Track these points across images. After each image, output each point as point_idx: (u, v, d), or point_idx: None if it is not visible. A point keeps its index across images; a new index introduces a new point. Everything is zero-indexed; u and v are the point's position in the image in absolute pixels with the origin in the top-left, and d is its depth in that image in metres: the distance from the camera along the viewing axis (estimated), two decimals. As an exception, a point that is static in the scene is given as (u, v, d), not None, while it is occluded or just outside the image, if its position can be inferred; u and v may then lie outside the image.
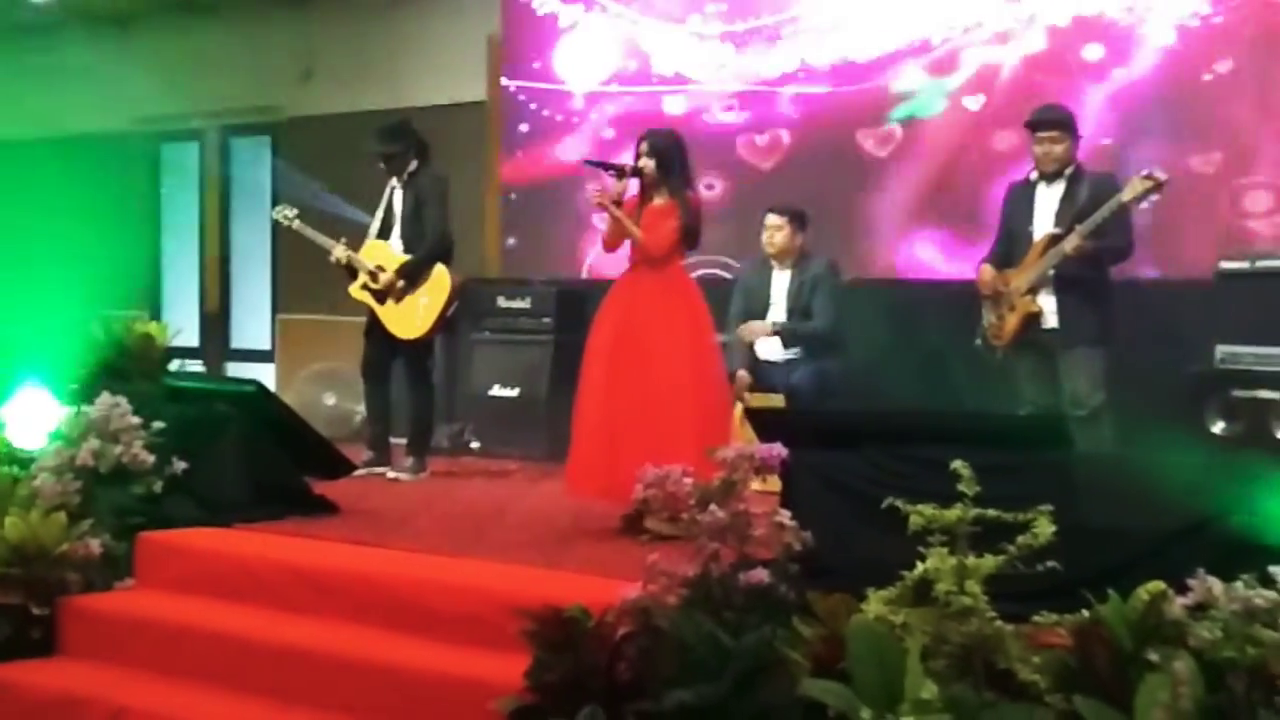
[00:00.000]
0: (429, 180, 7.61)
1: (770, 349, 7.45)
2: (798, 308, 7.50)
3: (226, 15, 12.16)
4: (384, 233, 7.65)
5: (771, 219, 7.59)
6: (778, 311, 7.54)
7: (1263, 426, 6.47)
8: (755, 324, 7.41)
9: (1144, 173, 6.29)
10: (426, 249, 7.52)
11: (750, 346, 7.44)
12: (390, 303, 7.50)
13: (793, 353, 7.42)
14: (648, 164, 6.17)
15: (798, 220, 7.59)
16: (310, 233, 7.82)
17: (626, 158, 6.42)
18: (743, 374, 7.30)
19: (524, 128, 9.98)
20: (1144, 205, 6.41)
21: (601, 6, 9.63)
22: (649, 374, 5.91)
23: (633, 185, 6.26)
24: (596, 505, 5.91)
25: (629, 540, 5.32)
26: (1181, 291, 7.15)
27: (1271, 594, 3.46)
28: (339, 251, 7.66)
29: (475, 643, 4.47)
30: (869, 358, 7.71)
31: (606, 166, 6.34)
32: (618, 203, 6.17)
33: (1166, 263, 7.45)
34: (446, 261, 7.56)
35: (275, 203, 11.46)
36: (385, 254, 7.57)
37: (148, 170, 13.13)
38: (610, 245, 6.40)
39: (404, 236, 7.58)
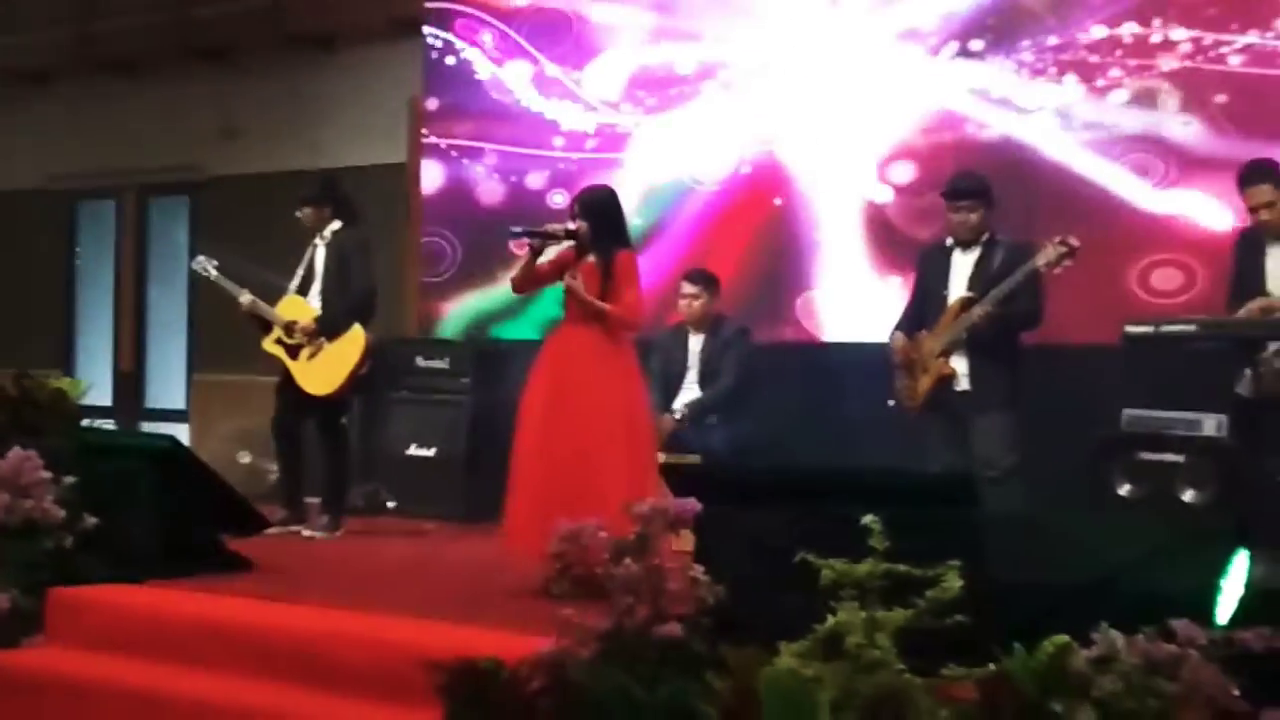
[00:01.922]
0: (351, 239, 7.64)
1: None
2: (709, 371, 7.63)
3: (145, 74, 12.15)
4: (303, 290, 7.66)
5: (687, 288, 7.72)
6: (693, 375, 7.65)
7: (1168, 489, 6.57)
8: (663, 421, 7.45)
9: (1057, 239, 6.42)
10: (351, 302, 7.54)
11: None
12: (303, 358, 7.50)
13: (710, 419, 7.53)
14: (582, 226, 6.21)
15: (712, 286, 7.72)
16: (227, 284, 7.81)
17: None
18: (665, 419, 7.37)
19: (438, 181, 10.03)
20: (1056, 271, 6.52)
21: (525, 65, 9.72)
22: (582, 432, 5.91)
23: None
24: (519, 564, 5.87)
25: (545, 597, 5.33)
26: (1090, 355, 7.27)
27: (1171, 647, 3.54)
28: (245, 299, 7.67)
29: (388, 697, 4.45)
30: (783, 419, 7.79)
31: (543, 235, 6.30)
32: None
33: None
34: (366, 319, 7.56)
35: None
36: (302, 309, 7.58)
37: (63, 229, 13.03)
38: (519, 287, 6.47)
39: (323, 293, 7.60)
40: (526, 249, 6.28)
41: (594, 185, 6.63)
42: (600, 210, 6.25)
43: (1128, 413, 6.78)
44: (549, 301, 7.09)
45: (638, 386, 6.25)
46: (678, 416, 7.49)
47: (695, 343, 7.78)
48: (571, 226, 6.23)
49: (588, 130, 9.43)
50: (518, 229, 6.47)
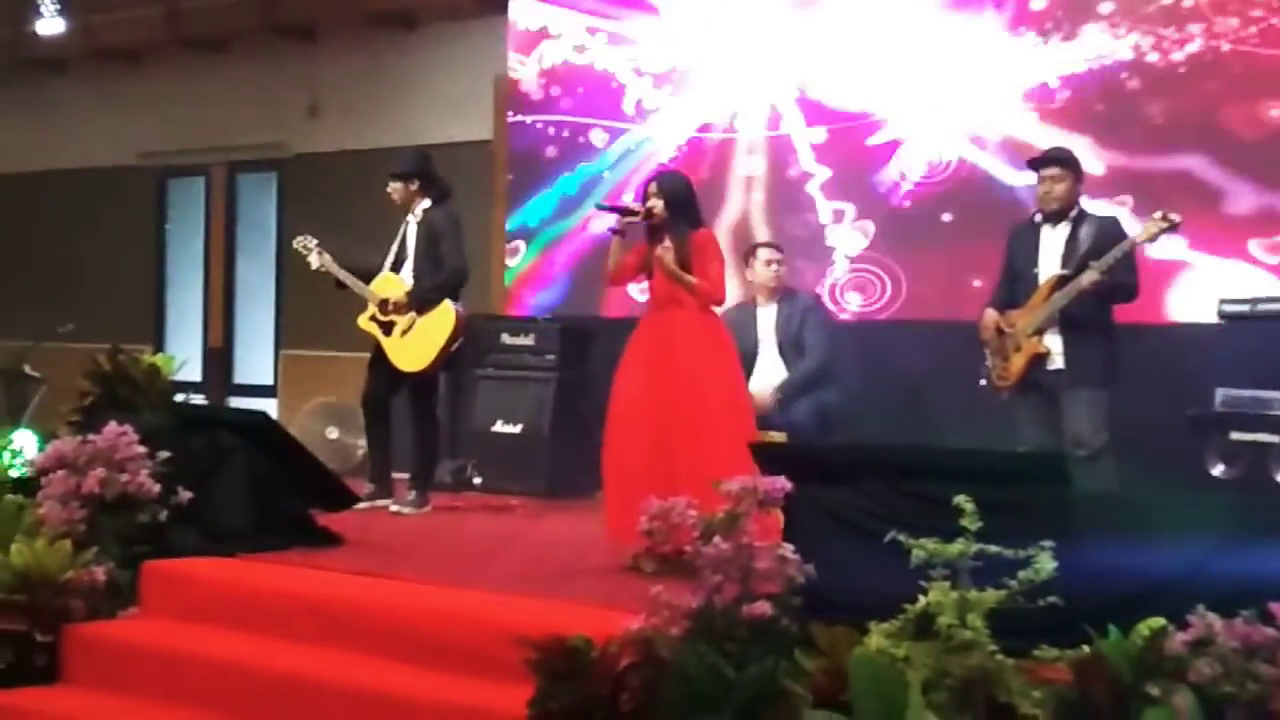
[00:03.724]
0: (442, 216, 7.66)
1: (768, 385, 7.52)
2: (787, 340, 7.61)
3: (234, 52, 12.26)
4: (396, 268, 7.71)
5: (770, 253, 7.75)
6: (767, 347, 7.62)
7: (1262, 470, 6.50)
8: (765, 397, 7.42)
9: (1158, 214, 6.33)
10: (441, 280, 7.56)
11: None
12: (396, 335, 7.54)
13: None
14: (656, 204, 6.23)
15: (784, 256, 7.77)
16: (325, 261, 7.84)
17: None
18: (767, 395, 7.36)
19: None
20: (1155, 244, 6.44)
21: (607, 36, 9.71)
22: (686, 415, 5.91)
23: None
24: (610, 542, 5.87)
25: (633, 574, 5.36)
26: (1183, 334, 7.19)
27: (1271, 630, 3.50)
28: (340, 274, 7.73)
29: (479, 672, 4.49)
30: (868, 395, 7.75)
31: (621, 210, 6.37)
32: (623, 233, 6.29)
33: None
34: (456, 296, 7.60)
35: (280, 239, 11.64)
36: (396, 287, 7.62)
37: (153, 205, 13.20)
38: (614, 279, 6.49)
39: (415, 272, 7.63)
40: (612, 234, 6.31)
41: (667, 171, 6.66)
42: (675, 192, 6.26)
43: (1221, 392, 6.71)
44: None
45: (735, 365, 6.25)
46: (777, 396, 7.44)
47: (766, 315, 7.72)
48: (648, 204, 6.26)
49: (668, 104, 9.44)
50: (604, 204, 6.86)
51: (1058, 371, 6.47)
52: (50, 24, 12.61)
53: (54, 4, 12.53)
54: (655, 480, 5.58)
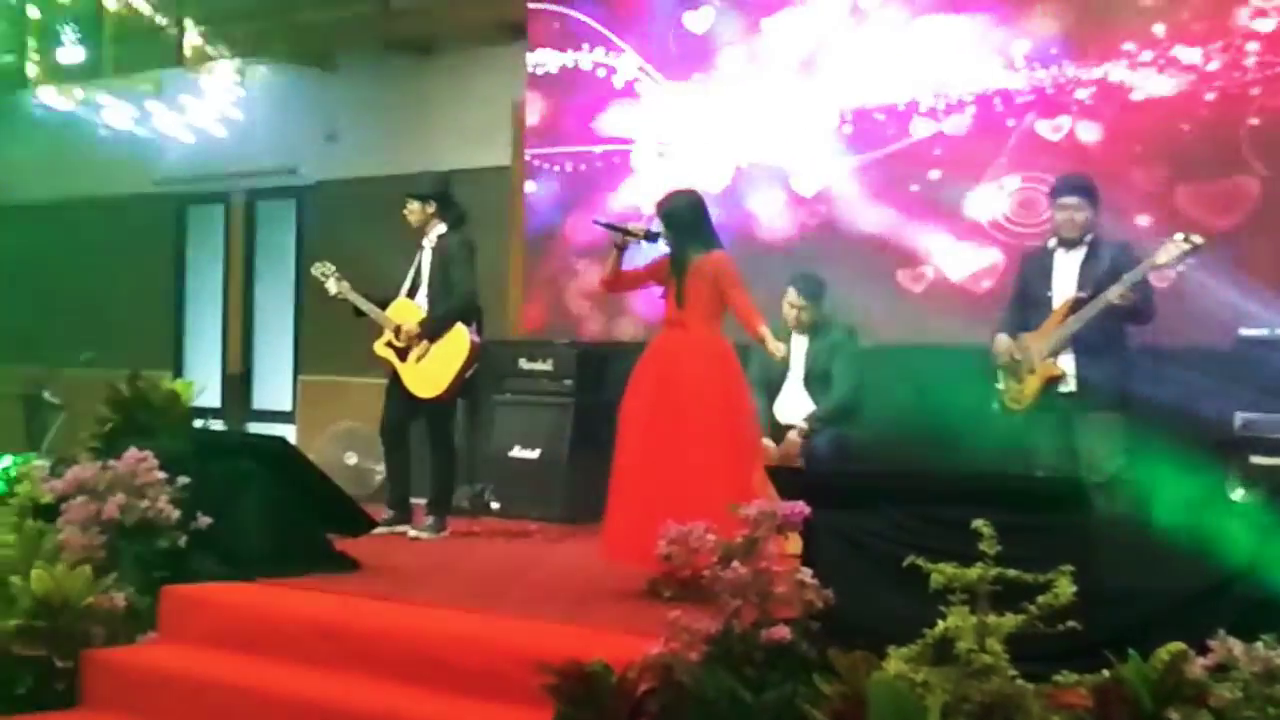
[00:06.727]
0: (457, 242, 7.69)
1: (793, 413, 7.49)
2: (814, 372, 7.53)
3: (253, 79, 12.30)
4: (412, 293, 7.74)
5: (795, 298, 7.60)
6: (794, 378, 7.58)
7: (1283, 493, 6.48)
8: (790, 442, 7.37)
9: (1180, 236, 6.29)
10: (450, 307, 7.59)
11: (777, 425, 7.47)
12: (411, 361, 7.56)
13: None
14: (659, 229, 6.23)
15: (818, 296, 7.63)
16: (342, 288, 7.87)
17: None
18: (772, 445, 7.31)
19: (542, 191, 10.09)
20: (1180, 267, 6.41)
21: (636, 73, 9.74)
22: (685, 440, 5.88)
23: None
24: (621, 566, 5.87)
25: (651, 599, 5.36)
26: (1202, 358, 7.16)
27: (1292, 655, 3.50)
28: (358, 301, 7.77)
29: (498, 697, 4.49)
30: (887, 421, 7.72)
31: (621, 230, 6.34)
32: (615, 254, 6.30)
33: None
34: (468, 322, 7.61)
35: (299, 265, 11.69)
36: (411, 312, 7.65)
37: (173, 232, 13.25)
38: (609, 285, 6.54)
39: (430, 296, 7.66)
40: (615, 248, 6.31)
41: (675, 192, 6.50)
42: (680, 219, 6.23)
43: (1241, 416, 6.68)
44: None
45: (742, 391, 6.22)
46: (805, 429, 7.40)
47: (797, 345, 7.66)
48: (654, 229, 6.26)
49: (683, 132, 9.47)
50: (602, 220, 6.73)
51: (1071, 394, 6.46)
52: (71, 52, 12.68)
53: (75, 33, 12.61)
54: (656, 500, 5.58)
